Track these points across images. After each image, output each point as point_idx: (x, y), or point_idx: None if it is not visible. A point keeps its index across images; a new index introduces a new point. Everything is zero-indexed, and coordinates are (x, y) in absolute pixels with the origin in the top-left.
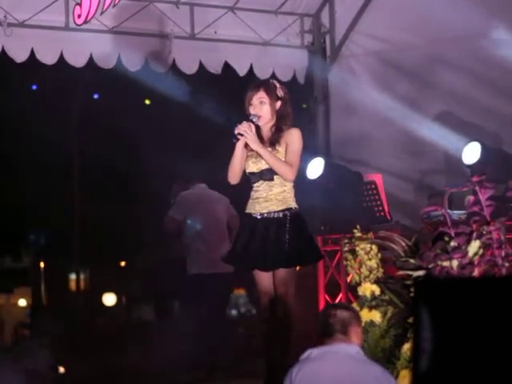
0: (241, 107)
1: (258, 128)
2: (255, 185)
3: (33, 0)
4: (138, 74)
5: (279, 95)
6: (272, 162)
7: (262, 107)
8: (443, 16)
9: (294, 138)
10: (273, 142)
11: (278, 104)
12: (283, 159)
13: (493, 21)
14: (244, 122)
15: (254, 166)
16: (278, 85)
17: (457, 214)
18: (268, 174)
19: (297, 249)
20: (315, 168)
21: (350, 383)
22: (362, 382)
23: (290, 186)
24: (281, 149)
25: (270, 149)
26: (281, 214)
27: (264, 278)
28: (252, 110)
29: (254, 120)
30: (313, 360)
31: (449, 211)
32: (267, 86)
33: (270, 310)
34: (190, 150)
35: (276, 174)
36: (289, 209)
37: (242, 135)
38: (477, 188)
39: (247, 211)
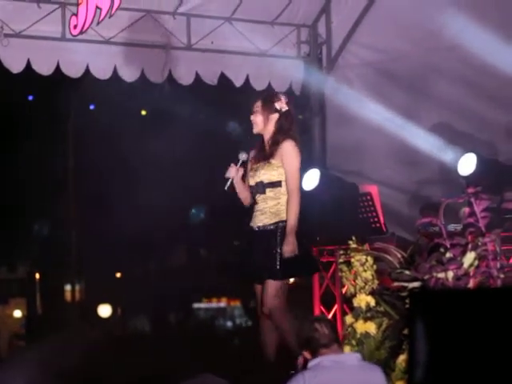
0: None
1: (262, 141)
2: (256, 198)
3: (29, 11)
4: (134, 85)
5: (278, 108)
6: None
7: (256, 115)
8: (439, 26)
9: (287, 153)
10: (268, 155)
11: (275, 116)
12: (276, 171)
13: (489, 31)
14: (232, 165)
15: (251, 180)
16: (282, 98)
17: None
18: (260, 187)
19: (288, 261)
20: (311, 179)
21: None
22: None
23: (284, 199)
24: (274, 161)
25: (263, 163)
26: (272, 227)
27: (259, 290)
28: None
29: (242, 159)
30: (326, 369)
31: None
32: (266, 96)
33: (263, 321)
34: (188, 160)
35: (268, 187)
36: (282, 221)
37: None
38: (472, 199)
39: (250, 224)
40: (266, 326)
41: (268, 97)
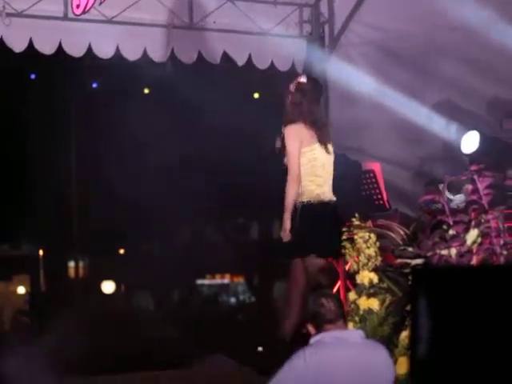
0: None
1: None
2: None
3: None
4: (136, 64)
5: (291, 89)
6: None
7: None
8: (442, 5)
9: (286, 140)
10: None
11: (289, 97)
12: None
13: (492, 9)
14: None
15: None
16: (302, 78)
17: (457, 199)
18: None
19: (297, 241)
20: None
21: (364, 369)
22: (373, 366)
23: (303, 180)
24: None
25: None
26: (295, 207)
27: (295, 265)
28: None
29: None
30: (328, 346)
31: (450, 196)
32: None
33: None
34: (192, 138)
35: None
36: (300, 201)
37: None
38: (475, 177)
39: None
40: (293, 298)
41: (294, 78)
